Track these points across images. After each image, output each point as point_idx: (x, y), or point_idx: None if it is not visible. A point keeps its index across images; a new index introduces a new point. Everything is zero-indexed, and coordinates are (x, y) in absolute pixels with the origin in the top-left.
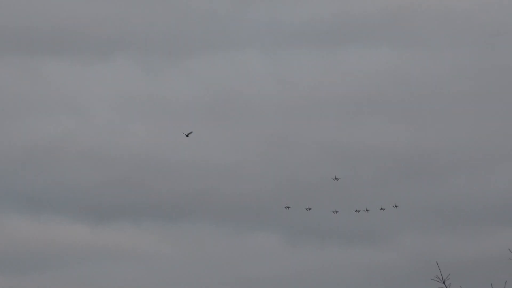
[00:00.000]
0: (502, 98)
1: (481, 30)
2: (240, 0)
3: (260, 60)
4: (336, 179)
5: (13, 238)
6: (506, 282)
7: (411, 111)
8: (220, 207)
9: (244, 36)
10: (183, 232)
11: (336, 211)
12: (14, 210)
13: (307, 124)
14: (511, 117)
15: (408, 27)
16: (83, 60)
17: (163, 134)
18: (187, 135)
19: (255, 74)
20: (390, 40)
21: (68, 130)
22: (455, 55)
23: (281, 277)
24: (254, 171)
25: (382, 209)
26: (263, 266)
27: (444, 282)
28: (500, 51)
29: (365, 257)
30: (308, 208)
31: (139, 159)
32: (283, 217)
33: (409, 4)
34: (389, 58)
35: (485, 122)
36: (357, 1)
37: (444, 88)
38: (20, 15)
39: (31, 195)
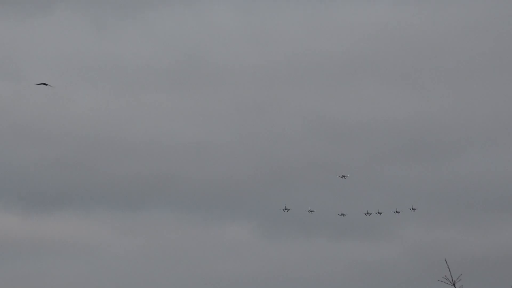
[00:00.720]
0: None
1: None
2: None
3: (231, 13)
4: (344, 177)
5: None
6: None
7: (413, 74)
8: (185, 194)
9: None
10: (140, 222)
11: (343, 214)
12: None
13: (290, 92)
14: None
15: None
16: (18, 13)
17: (115, 104)
18: (44, 84)
19: (226, 30)
20: None
21: None
22: (467, 7)
23: (256, 276)
24: (225, 151)
25: (379, 213)
26: (235, 262)
27: (454, 285)
28: None
29: (356, 250)
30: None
31: (86, 135)
32: (260, 205)
33: None
34: (389, 11)
35: (502, 88)
36: None
37: (454, 47)
38: None
39: None
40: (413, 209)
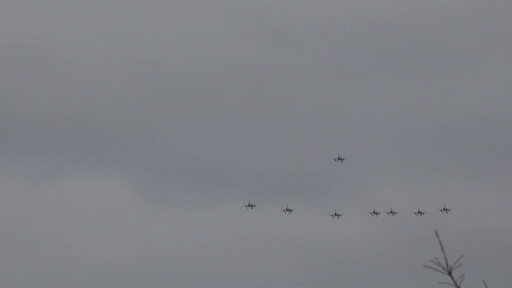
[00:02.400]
0: None
1: None
2: None
3: None
4: (340, 159)
5: None
6: None
7: None
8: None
9: None
10: None
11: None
12: None
13: None
14: None
15: None
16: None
17: None
18: None
19: None
20: None
21: None
22: None
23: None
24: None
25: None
26: (101, 234)
27: (450, 273)
28: None
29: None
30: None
31: None
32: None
33: None
34: None
35: None
36: None
37: None
38: None
39: None
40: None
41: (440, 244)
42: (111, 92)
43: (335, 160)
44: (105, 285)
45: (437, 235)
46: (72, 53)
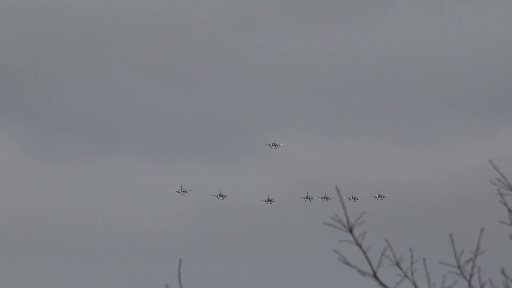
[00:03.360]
0: None
1: None
2: None
3: None
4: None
5: None
6: None
7: None
8: None
9: None
10: None
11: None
12: None
13: None
14: None
15: None
16: None
17: None
18: None
19: None
20: None
21: None
22: None
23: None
24: None
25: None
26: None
27: (351, 231)
28: None
29: None
30: None
31: None
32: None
33: None
34: None
35: None
36: None
37: None
38: None
39: None
40: None
41: (341, 201)
42: None
43: None
44: None
45: (338, 191)
46: None
